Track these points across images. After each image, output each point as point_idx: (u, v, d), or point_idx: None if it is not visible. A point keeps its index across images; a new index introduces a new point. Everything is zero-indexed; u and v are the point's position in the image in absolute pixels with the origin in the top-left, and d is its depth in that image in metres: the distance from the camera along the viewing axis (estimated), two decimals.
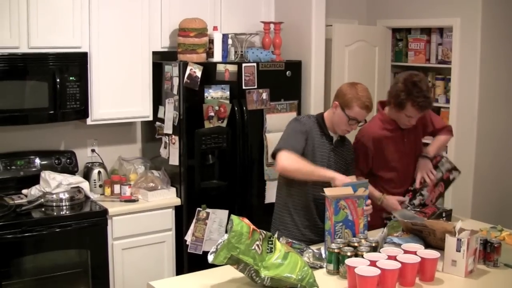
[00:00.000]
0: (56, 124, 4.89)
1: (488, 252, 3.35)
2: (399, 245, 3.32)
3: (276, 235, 3.17)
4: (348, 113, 3.74)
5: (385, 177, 4.20)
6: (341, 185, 3.49)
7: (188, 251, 4.81)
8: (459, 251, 3.17)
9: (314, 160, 3.77)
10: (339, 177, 3.57)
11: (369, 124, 4.18)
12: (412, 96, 3.93)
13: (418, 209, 3.98)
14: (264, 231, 3.06)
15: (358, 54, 5.90)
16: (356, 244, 3.25)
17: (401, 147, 4.20)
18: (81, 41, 4.70)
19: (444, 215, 4.01)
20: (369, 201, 3.57)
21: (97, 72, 4.77)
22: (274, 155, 3.77)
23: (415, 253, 3.13)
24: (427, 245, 3.43)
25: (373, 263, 2.97)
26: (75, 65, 4.66)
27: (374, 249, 3.27)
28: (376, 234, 3.58)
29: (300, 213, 3.87)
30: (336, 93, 3.87)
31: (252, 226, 2.99)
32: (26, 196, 4.63)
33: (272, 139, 5.09)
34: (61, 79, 4.57)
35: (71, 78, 4.63)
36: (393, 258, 3.06)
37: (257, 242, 2.96)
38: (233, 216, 3.00)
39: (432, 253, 3.15)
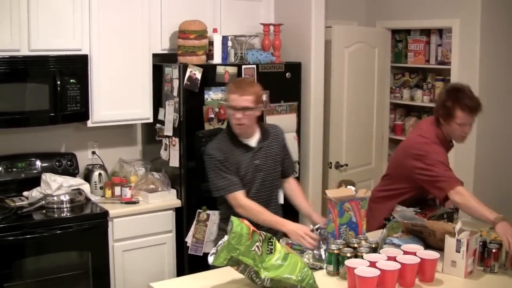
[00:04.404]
0: (57, 127, 4.90)
1: (485, 257, 3.34)
2: (398, 246, 3.34)
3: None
4: None
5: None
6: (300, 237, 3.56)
7: (189, 252, 4.81)
8: (459, 251, 3.19)
9: (240, 174, 3.86)
10: (295, 227, 3.65)
11: (428, 134, 4.00)
12: (459, 100, 3.87)
13: (418, 210, 3.98)
14: (264, 233, 3.07)
15: (357, 55, 5.90)
16: (355, 245, 3.27)
17: None
18: (82, 44, 4.71)
19: (445, 216, 4.01)
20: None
21: (98, 74, 4.78)
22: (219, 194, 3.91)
23: (414, 254, 3.15)
24: (427, 246, 3.44)
25: (372, 264, 2.99)
26: (75, 67, 4.67)
27: (374, 250, 3.29)
28: (376, 235, 3.59)
29: None
30: None
31: (252, 228, 3.00)
32: (27, 198, 4.64)
33: None
34: (61, 82, 4.58)
35: (71, 80, 4.64)
36: (393, 259, 3.08)
37: (257, 244, 2.98)
38: (233, 218, 3.02)
39: (432, 254, 3.17)
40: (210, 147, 3.97)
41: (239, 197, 3.81)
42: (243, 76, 5.00)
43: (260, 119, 5.04)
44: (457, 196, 3.70)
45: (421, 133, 4.06)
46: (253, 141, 3.94)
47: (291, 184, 4.20)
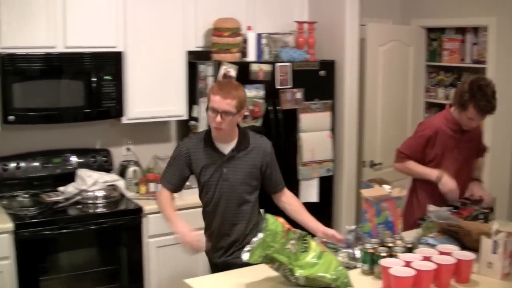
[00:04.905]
0: (92, 123, 4.94)
1: None
2: (434, 246, 3.31)
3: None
4: None
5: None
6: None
7: None
8: (495, 253, 3.15)
9: (205, 177, 3.70)
10: (182, 230, 3.59)
11: (434, 118, 4.45)
12: (475, 98, 3.99)
13: (454, 210, 3.96)
14: (299, 231, 3.07)
15: (392, 53, 5.87)
16: (390, 245, 3.25)
17: (455, 150, 4.25)
18: (117, 41, 4.74)
19: (481, 216, 3.97)
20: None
21: (132, 71, 4.81)
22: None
23: (450, 254, 3.12)
24: (463, 247, 3.41)
25: (407, 264, 2.97)
26: (110, 64, 4.71)
27: (409, 249, 3.26)
28: (411, 235, 3.57)
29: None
30: None
31: (287, 225, 3.01)
32: (62, 193, 4.68)
33: (306, 138, 5.11)
34: (96, 78, 4.62)
35: (106, 77, 4.68)
36: (428, 259, 3.05)
37: (292, 241, 2.98)
38: (268, 215, 3.02)
39: (468, 255, 3.13)
40: (182, 141, 3.87)
41: (161, 190, 3.82)
42: (277, 75, 4.99)
43: (294, 118, 5.07)
44: (397, 165, 4.40)
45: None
46: (227, 148, 3.67)
47: (290, 200, 3.88)
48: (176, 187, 3.81)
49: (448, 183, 4.13)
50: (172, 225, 3.66)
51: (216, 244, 3.79)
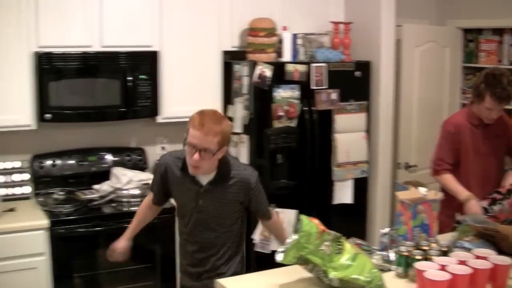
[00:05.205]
0: (127, 122, 4.97)
1: None
2: (469, 250, 3.27)
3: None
4: None
5: (462, 169, 4.32)
6: None
7: (256, 249, 4.84)
8: None
9: (179, 204, 3.59)
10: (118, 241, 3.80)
11: (455, 115, 4.55)
12: (491, 87, 4.05)
13: (490, 214, 3.91)
14: (333, 232, 3.05)
15: (428, 54, 5.83)
16: (426, 248, 3.22)
17: (480, 145, 4.29)
18: (152, 40, 4.78)
19: None
20: None
21: (168, 71, 4.84)
22: None
23: (486, 258, 3.08)
24: (499, 251, 3.36)
25: (443, 268, 2.93)
26: (146, 63, 4.75)
27: (444, 253, 3.23)
28: (446, 238, 3.54)
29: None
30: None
31: (321, 227, 2.99)
32: (97, 191, 4.71)
33: (340, 139, 5.08)
34: (132, 77, 4.66)
35: (142, 76, 4.71)
36: (464, 263, 3.02)
37: (326, 243, 2.96)
38: (302, 216, 3.01)
39: (505, 260, 3.08)
40: (167, 155, 3.61)
41: (145, 201, 3.81)
42: (312, 75, 4.98)
43: (329, 119, 5.05)
44: (434, 177, 4.47)
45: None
46: (205, 179, 3.38)
47: (273, 225, 3.78)
48: (157, 198, 3.70)
49: (473, 208, 4.11)
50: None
51: (189, 267, 3.63)
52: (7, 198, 4.56)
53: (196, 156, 3.18)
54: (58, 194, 4.64)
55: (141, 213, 3.81)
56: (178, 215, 3.65)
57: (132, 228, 3.82)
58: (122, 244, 3.80)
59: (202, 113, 3.27)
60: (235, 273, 3.51)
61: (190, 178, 3.38)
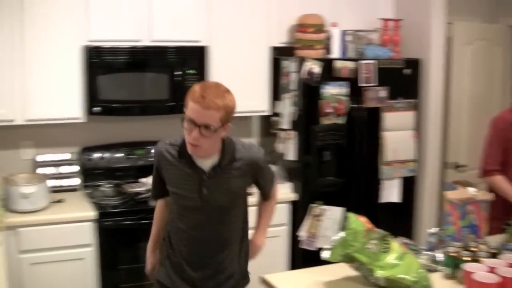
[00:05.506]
0: (175, 116, 4.96)
1: None
2: None
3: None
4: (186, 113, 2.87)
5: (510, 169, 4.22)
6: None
7: (301, 246, 4.83)
8: None
9: (179, 201, 3.12)
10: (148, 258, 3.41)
11: (504, 111, 4.42)
12: None
13: None
14: (380, 230, 3.02)
15: (479, 53, 5.74)
16: (474, 249, 3.17)
17: None
18: (201, 35, 4.79)
19: None
20: None
21: (216, 66, 4.85)
22: None
23: None
24: None
25: (492, 270, 2.88)
26: (194, 58, 4.77)
27: (493, 255, 3.17)
28: (496, 240, 3.48)
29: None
30: None
31: (368, 225, 2.97)
32: (144, 184, 4.74)
33: (389, 137, 5.03)
34: (180, 72, 4.67)
35: (190, 71, 4.73)
36: None
37: (373, 241, 2.94)
38: (349, 214, 3.00)
39: None
40: (159, 143, 3.16)
41: (156, 208, 3.39)
42: (361, 72, 4.94)
43: (378, 116, 5.00)
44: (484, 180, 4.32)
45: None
46: (207, 163, 2.99)
47: (265, 204, 3.44)
48: (161, 193, 3.28)
49: None
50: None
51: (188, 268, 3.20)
52: (56, 190, 4.63)
53: (195, 133, 2.81)
54: (106, 186, 4.69)
55: (159, 220, 3.36)
56: (175, 212, 3.19)
57: (155, 239, 3.39)
58: (152, 259, 3.41)
59: (203, 85, 2.89)
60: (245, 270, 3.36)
61: (190, 164, 3.00)
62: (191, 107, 2.81)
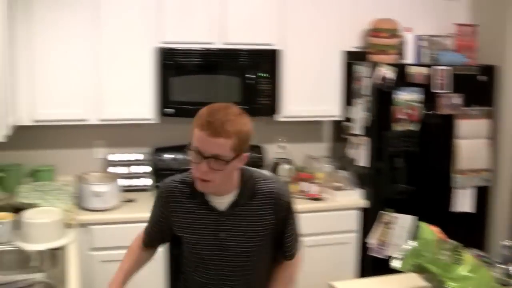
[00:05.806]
0: None
1: None
2: None
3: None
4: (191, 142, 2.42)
5: None
6: None
7: (371, 254, 4.79)
8: None
9: (192, 250, 2.64)
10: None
11: None
12: None
13: None
14: (452, 241, 2.97)
15: None
16: None
17: None
18: (274, 39, 4.79)
19: None
20: None
21: (288, 70, 4.85)
22: None
23: None
24: None
25: None
26: (266, 62, 4.78)
27: None
28: None
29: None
30: None
31: (440, 235, 2.92)
32: None
33: (463, 145, 4.94)
34: (253, 75, 4.69)
35: (262, 74, 4.74)
36: None
37: (445, 252, 2.89)
38: (421, 223, 2.95)
39: None
40: (168, 181, 2.70)
41: (137, 237, 2.86)
42: (435, 78, 4.86)
43: (451, 124, 4.92)
44: None
45: None
46: (223, 201, 2.54)
47: (282, 270, 2.81)
48: (151, 240, 2.81)
49: None
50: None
51: None
52: (127, 189, 4.70)
53: (203, 166, 2.36)
54: None
55: (134, 259, 2.82)
56: (191, 264, 2.70)
57: (126, 270, 2.79)
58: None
59: (211, 108, 2.40)
60: None
61: (203, 204, 2.55)
62: (196, 135, 2.37)
